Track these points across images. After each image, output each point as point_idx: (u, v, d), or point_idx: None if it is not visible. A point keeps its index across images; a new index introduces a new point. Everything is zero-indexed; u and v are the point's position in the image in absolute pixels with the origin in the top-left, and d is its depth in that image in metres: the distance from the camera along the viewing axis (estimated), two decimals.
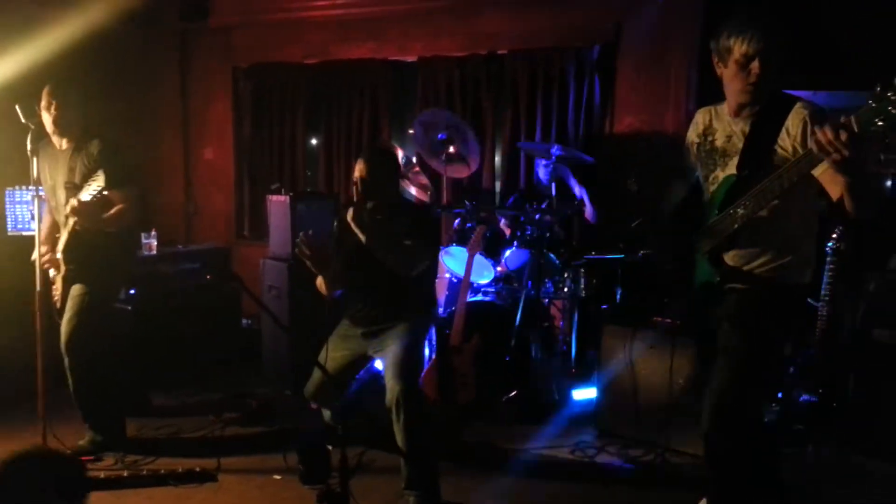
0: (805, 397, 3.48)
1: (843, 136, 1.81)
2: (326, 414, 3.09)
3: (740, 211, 2.19)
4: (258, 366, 4.49)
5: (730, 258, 2.30)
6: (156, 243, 4.64)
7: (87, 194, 2.99)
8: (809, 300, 3.44)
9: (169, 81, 5.95)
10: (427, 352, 3.85)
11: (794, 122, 2.13)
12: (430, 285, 3.19)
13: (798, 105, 2.15)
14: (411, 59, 5.36)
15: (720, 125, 2.35)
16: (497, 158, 5.26)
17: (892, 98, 1.72)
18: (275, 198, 4.34)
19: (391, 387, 2.72)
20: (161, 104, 5.97)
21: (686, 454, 3.29)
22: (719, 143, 2.34)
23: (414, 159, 4.98)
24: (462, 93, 5.19)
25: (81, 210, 3.05)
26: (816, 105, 2.17)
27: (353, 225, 2.82)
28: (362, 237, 2.82)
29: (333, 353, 2.97)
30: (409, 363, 2.81)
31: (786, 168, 2.07)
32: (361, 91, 5.47)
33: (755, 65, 2.13)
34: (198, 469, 2.47)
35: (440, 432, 3.50)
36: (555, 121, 4.94)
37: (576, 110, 4.88)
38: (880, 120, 1.76)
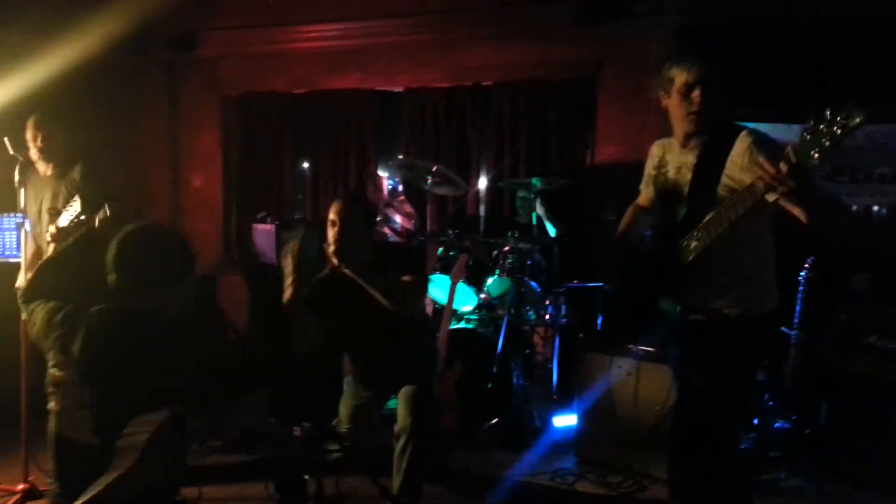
0: (779, 424, 3.54)
1: (784, 168, 1.86)
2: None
3: (693, 243, 2.22)
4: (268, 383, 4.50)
5: (688, 291, 2.30)
6: None
7: (64, 219, 3.03)
8: (784, 328, 3.53)
9: (157, 111, 6.02)
10: None
11: (739, 150, 2.17)
12: (425, 316, 3.24)
13: (742, 133, 2.18)
14: (398, 89, 5.47)
15: (672, 157, 2.40)
16: (482, 187, 5.35)
17: (825, 131, 1.78)
18: (260, 226, 4.40)
19: (403, 417, 2.76)
20: (149, 133, 6.03)
21: (665, 480, 3.32)
22: (671, 174, 2.39)
23: (400, 188, 5.06)
24: (447, 122, 5.30)
25: (59, 235, 3.06)
26: (761, 133, 2.20)
27: (349, 272, 2.74)
28: (361, 281, 2.74)
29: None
30: (423, 397, 2.85)
31: (732, 200, 2.11)
32: (348, 120, 5.57)
33: (696, 93, 2.20)
34: (178, 498, 2.48)
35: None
36: (537, 151, 5.04)
37: (558, 141, 4.99)
38: (815, 152, 1.81)
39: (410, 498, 2.77)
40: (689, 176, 2.30)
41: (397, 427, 2.77)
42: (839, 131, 1.76)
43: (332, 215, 2.82)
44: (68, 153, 3.38)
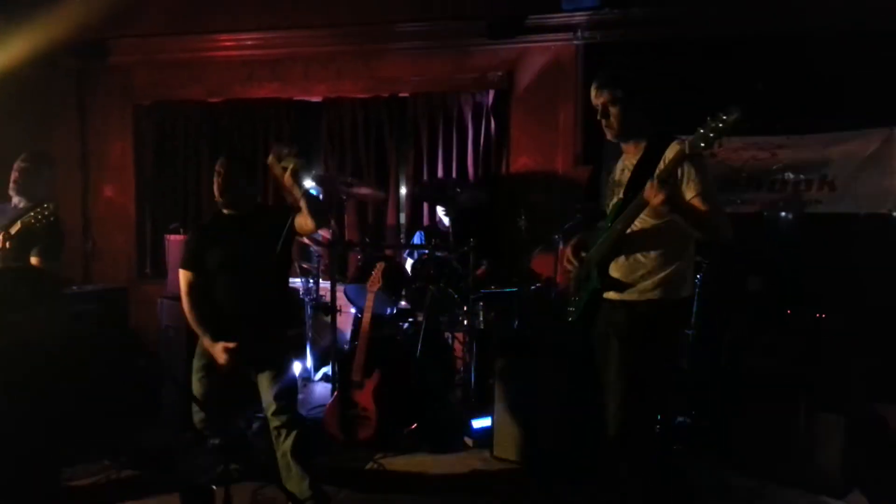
0: (681, 419, 3.74)
1: (654, 184, 2.31)
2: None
3: (618, 227, 2.53)
4: (156, 407, 4.40)
5: (613, 269, 2.60)
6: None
7: (19, 225, 3.01)
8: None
9: (67, 119, 5.84)
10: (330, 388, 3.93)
11: (668, 156, 2.46)
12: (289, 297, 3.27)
13: (674, 143, 2.46)
14: (316, 99, 5.49)
15: (619, 161, 2.73)
16: (402, 195, 5.43)
17: (713, 126, 2.20)
18: (173, 237, 4.34)
19: (273, 414, 2.84)
20: (59, 142, 5.82)
21: (576, 480, 3.45)
22: (617, 175, 2.71)
23: (320, 197, 5.06)
24: (366, 132, 5.36)
25: (6, 247, 3.03)
26: (693, 147, 2.41)
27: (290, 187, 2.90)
28: (295, 190, 2.89)
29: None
30: (287, 387, 2.93)
31: (635, 201, 2.45)
32: (266, 130, 5.55)
33: (608, 112, 2.57)
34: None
35: (342, 467, 3.57)
36: (455, 160, 5.16)
37: (474, 151, 5.14)
38: (702, 142, 2.23)
39: (312, 496, 2.84)
40: (628, 176, 2.60)
41: (272, 424, 2.84)
42: (721, 125, 2.18)
43: (217, 167, 3.07)
44: (44, 194, 3.33)
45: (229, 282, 3.01)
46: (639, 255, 2.56)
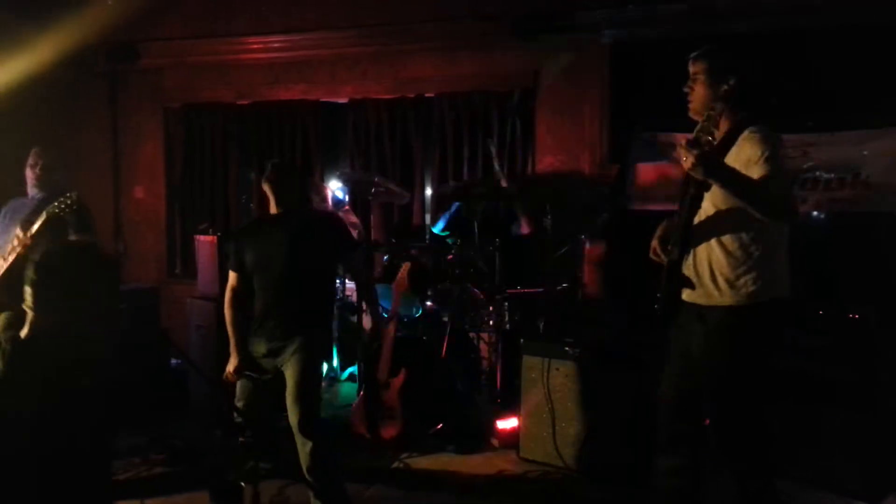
0: None
1: (684, 145, 2.21)
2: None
3: (683, 214, 2.41)
4: (186, 405, 4.47)
5: (686, 268, 2.43)
6: None
7: (44, 216, 3.09)
8: None
9: (99, 122, 5.95)
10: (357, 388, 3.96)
11: (740, 141, 2.35)
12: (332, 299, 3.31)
13: (748, 128, 2.34)
14: (342, 100, 5.53)
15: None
16: (427, 195, 5.44)
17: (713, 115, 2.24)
18: (203, 237, 4.39)
19: (292, 412, 2.83)
20: (91, 145, 5.95)
21: (602, 479, 3.44)
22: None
23: (346, 198, 5.10)
24: (391, 133, 5.38)
25: (31, 242, 3.11)
26: (765, 131, 2.34)
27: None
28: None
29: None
30: (308, 387, 2.89)
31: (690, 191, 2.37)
32: (293, 131, 5.60)
33: (692, 86, 2.45)
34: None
35: (368, 465, 3.58)
36: (479, 160, 5.16)
37: (499, 150, 5.11)
38: (700, 132, 2.22)
39: (327, 495, 2.84)
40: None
41: (292, 423, 2.85)
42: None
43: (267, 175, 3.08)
44: (64, 185, 3.43)
45: (265, 280, 3.02)
46: (709, 248, 2.38)
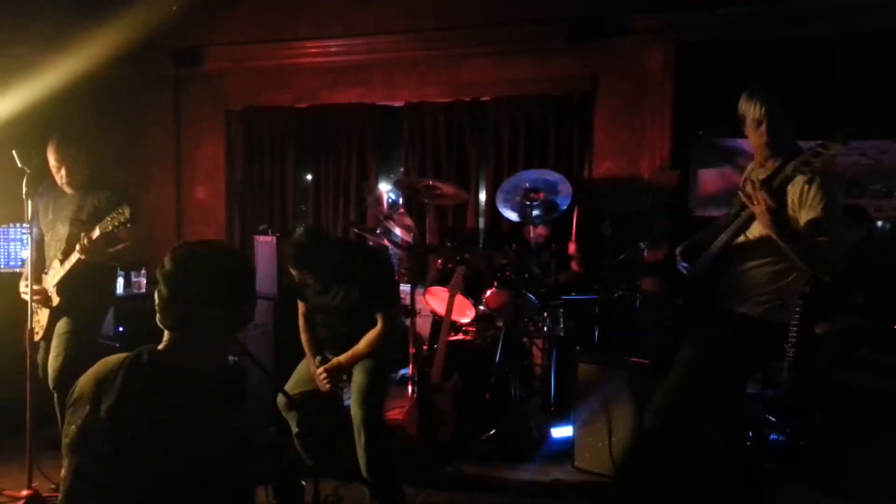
0: (774, 437, 3.57)
1: (758, 187, 2.26)
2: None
3: (723, 237, 2.51)
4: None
5: (722, 284, 2.58)
6: (145, 281, 4.74)
7: (99, 230, 3.17)
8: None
9: (162, 124, 6.11)
10: (409, 390, 3.96)
11: (795, 186, 2.37)
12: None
13: (809, 171, 2.31)
14: (398, 104, 5.56)
15: (753, 174, 2.62)
16: (482, 200, 5.42)
17: (819, 151, 2.22)
18: (262, 238, 4.46)
19: (354, 412, 2.92)
20: (154, 145, 6.13)
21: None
22: (748, 188, 2.58)
23: (400, 201, 5.12)
24: (447, 136, 5.38)
25: (92, 246, 3.21)
26: (826, 178, 2.35)
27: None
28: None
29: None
30: (372, 390, 2.99)
31: (742, 216, 2.44)
32: (349, 134, 5.66)
33: (762, 128, 2.44)
34: None
35: (420, 468, 3.58)
36: (535, 165, 5.10)
37: (556, 155, 5.06)
38: (803, 167, 2.24)
39: (383, 496, 2.92)
40: (750, 189, 2.50)
41: (354, 425, 2.96)
42: (822, 157, 2.20)
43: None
44: (92, 172, 3.51)
45: (322, 315, 3.27)
46: (741, 268, 2.54)
